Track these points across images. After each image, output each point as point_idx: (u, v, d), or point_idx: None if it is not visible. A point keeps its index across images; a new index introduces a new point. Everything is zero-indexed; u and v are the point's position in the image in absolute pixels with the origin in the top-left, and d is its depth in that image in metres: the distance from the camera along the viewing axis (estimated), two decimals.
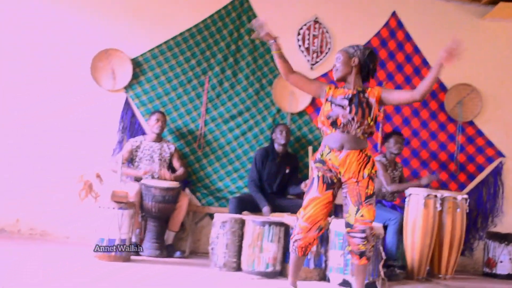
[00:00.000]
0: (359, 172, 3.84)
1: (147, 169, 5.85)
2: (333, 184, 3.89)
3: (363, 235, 3.83)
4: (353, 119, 3.83)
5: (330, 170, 3.88)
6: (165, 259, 5.56)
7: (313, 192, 3.88)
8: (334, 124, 3.87)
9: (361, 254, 3.88)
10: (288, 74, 4.02)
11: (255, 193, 5.90)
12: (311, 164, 4.01)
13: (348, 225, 3.88)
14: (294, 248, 3.92)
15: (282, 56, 4.03)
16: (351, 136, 3.86)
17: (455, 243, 5.67)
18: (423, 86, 3.84)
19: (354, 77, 3.98)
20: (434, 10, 6.86)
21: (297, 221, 3.90)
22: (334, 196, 3.92)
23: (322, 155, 3.92)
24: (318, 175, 3.90)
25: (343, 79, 4.00)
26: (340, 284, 4.86)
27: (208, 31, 6.52)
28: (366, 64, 3.99)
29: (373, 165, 3.88)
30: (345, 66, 3.98)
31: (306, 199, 3.89)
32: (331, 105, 3.90)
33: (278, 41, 4.05)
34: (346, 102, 3.88)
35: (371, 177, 3.86)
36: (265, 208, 5.72)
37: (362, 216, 3.82)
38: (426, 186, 5.89)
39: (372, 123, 3.90)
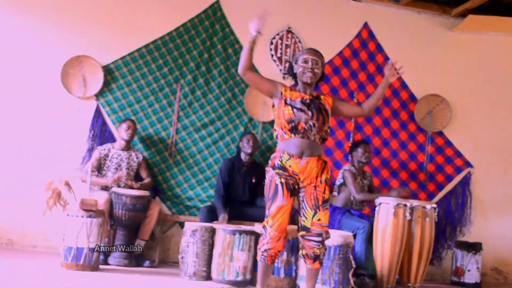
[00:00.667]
0: (316, 177, 3.86)
1: (114, 177, 5.79)
2: (294, 191, 3.89)
3: (319, 238, 3.84)
4: (314, 125, 3.83)
5: (291, 177, 3.86)
6: (134, 269, 5.51)
7: (279, 200, 3.83)
8: (294, 129, 3.84)
9: (315, 258, 3.88)
10: (246, 69, 3.91)
11: (217, 202, 5.87)
12: (269, 171, 3.91)
13: (304, 228, 3.87)
14: (264, 257, 3.89)
15: (251, 50, 3.92)
16: (310, 142, 3.85)
17: (424, 252, 5.71)
18: (371, 102, 4.04)
19: (313, 86, 4.01)
20: (405, 22, 6.96)
21: (266, 231, 3.85)
22: (294, 201, 3.94)
23: (281, 161, 3.87)
24: (281, 182, 3.85)
25: (311, 85, 3.97)
26: None
27: (180, 39, 6.51)
28: (323, 76, 4.05)
29: (328, 170, 3.93)
30: (321, 72, 3.96)
31: (274, 208, 3.83)
32: (292, 109, 3.85)
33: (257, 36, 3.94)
34: (305, 107, 3.85)
35: (327, 183, 3.90)
36: (221, 216, 5.68)
37: (319, 220, 3.84)
38: (392, 188, 5.96)
39: (328, 130, 3.95)
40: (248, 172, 6.04)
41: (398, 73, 4.03)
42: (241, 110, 6.55)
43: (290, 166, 3.85)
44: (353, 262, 4.95)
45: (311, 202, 3.85)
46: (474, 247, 6.30)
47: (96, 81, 6.29)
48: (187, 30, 6.53)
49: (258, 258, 3.94)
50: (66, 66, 6.23)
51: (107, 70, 6.33)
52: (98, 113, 6.30)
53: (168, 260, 6.26)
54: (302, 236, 3.88)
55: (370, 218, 5.92)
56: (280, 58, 6.68)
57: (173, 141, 6.41)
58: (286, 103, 3.88)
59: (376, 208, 5.71)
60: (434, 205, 5.77)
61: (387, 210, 5.62)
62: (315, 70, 3.90)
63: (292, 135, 3.85)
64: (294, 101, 3.87)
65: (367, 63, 6.81)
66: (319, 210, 3.84)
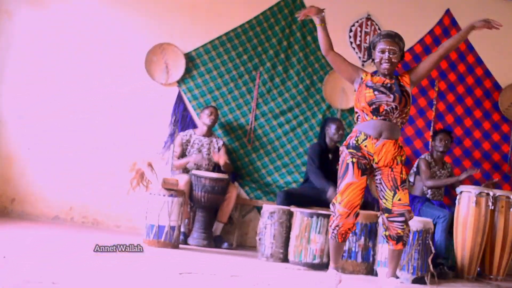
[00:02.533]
0: (393, 160, 3.81)
1: (196, 159, 5.95)
2: (366, 170, 3.83)
3: (402, 218, 3.77)
4: (396, 107, 3.78)
5: (364, 157, 3.81)
6: (212, 249, 5.63)
7: (349, 177, 3.79)
8: (375, 111, 3.79)
9: (399, 239, 3.82)
10: (329, 49, 3.91)
11: (318, 181, 5.67)
12: (343, 151, 3.87)
13: (386, 210, 3.82)
14: (334, 235, 3.85)
15: (325, 29, 3.93)
16: (391, 124, 3.80)
17: (507, 244, 5.53)
18: (448, 42, 3.93)
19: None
20: (490, 8, 6.73)
21: (335, 207, 3.82)
22: (367, 183, 3.88)
23: (357, 141, 3.82)
24: (352, 161, 3.81)
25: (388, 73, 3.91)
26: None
27: (260, 27, 6.60)
28: (403, 56, 3.98)
29: (404, 153, 3.88)
30: (399, 57, 3.89)
31: (342, 185, 3.81)
32: (374, 91, 3.80)
33: (323, 15, 3.95)
34: (387, 90, 3.80)
35: (403, 164, 3.85)
36: (331, 190, 5.41)
37: (399, 200, 3.77)
38: (475, 180, 5.79)
39: (409, 112, 3.89)
40: (333, 158, 5.95)
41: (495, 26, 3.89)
42: (319, 98, 6.56)
43: (365, 146, 3.79)
44: (432, 248, 4.85)
45: (389, 183, 3.80)
46: None
47: (178, 68, 6.46)
48: (266, 18, 6.61)
49: (329, 236, 3.90)
50: (149, 54, 6.44)
51: (188, 57, 6.49)
52: (179, 99, 6.48)
53: (246, 244, 6.36)
54: (386, 218, 3.83)
55: (450, 208, 5.80)
56: (359, 46, 6.64)
57: (252, 127, 6.50)
58: (367, 86, 3.84)
59: (457, 197, 5.59)
60: None
61: (468, 198, 5.49)
62: (393, 60, 3.83)
63: (374, 117, 3.80)
64: (375, 84, 3.83)
65: None
66: (399, 190, 3.78)
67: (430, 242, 4.85)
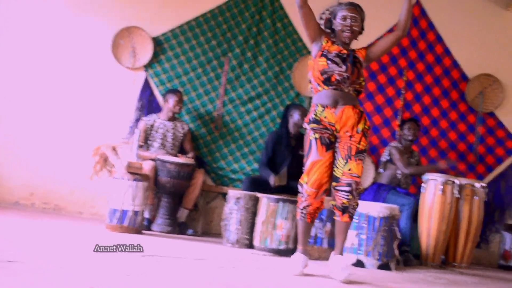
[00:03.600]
0: (353, 127, 3.73)
1: (160, 151, 5.88)
2: (331, 144, 3.77)
3: (348, 188, 3.69)
4: (347, 77, 3.73)
5: (327, 129, 3.75)
6: (176, 235, 5.54)
7: (313, 155, 3.73)
8: (327, 80, 3.73)
9: (344, 210, 3.73)
10: (306, 1, 3.81)
11: (263, 171, 5.82)
12: (306, 128, 3.82)
13: (335, 179, 3.74)
14: (303, 215, 3.79)
15: None
16: (344, 93, 3.75)
17: (471, 232, 5.58)
18: (402, 20, 3.87)
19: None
20: (459, 0, 6.78)
21: (303, 188, 3.76)
22: (335, 157, 3.79)
23: (316, 114, 3.76)
24: (315, 138, 3.75)
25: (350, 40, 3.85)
26: (354, 264, 4.79)
27: (230, 13, 6.53)
28: (362, 30, 3.92)
29: (366, 120, 3.80)
30: (360, 28, 3.85)
31: (308, 163, 3.74)
32: (326, 60, 3.74)
33: None
34: (340, 60, 3.74)
35: (364, 133, 3.76)
36: (271, 177, 5.64)
37: (349, 170, 3.70)
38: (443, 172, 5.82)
39: (363, 83, 3.84)
40: (296, 145, 5.96)
41: None
42: (288, 85, 6.52)
43: (325, 117, 3.74)
44: (398, 234, 4.85)
45: (344, 151, 3.72)
46: None
47: (146, 52, 6.35)
48: (236, 3, 6.54)
49: (298, 217, 3.83)
50: (116, 37, 6.32)
51: (156, 41, 6.39)
52: (146, 83, 6.37)
53: (211, 231, 6.29)
54: (334, 187, 3.75)
55: (416, 196, 5.81)
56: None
57: (220, 114, 6.42)
58: (322, 55, 3.78)
59: (423, 184, 5.60)
60: (484, 184, 5.63)
61: (434, 186, 5.51)
62: (354, 28, 3.79)
63: (325, 86, 3.75)
64: (330, 53, 3.76)
65: (418, 40, 6.68)
66: (351, 160, 3.70)
67: (396, 229, 4.84)
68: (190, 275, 3.25)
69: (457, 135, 6.62)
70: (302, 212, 3.80)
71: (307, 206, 3.76)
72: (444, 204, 5.44)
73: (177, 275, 3.15)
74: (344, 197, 3.72)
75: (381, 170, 6.11)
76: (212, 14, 6.49)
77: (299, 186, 3.80)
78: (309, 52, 6.47)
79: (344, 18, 3.80)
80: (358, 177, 3.73)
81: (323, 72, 3.73)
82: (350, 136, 3.74)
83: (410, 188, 6.17)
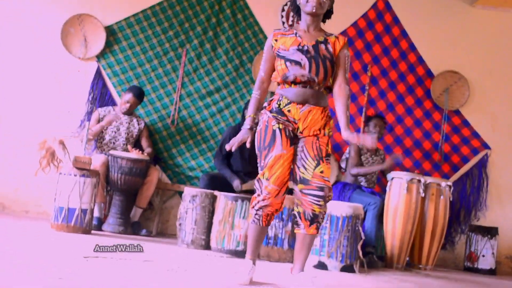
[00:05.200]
0: (319, 130, 3.26)
1: (110, 118, 5.49)
2: (294, 139, 3.29)
3: (321, 193, 3.18)
4: (313, 79, 3.23)
5: (290, 123, 3.27)
6: (129, 236, 5.20)
7: (277, 148, 3.22)
8: (293, 82, 3.26)
9: (313, 219, 3.21)
10: (264, 88, 3.39)
11: (223, 170, 5.48)
12: (264, 115, 3.32)
13: (303, 181, 3.22)
14: (258, 217, 3.27)
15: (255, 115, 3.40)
16: (314, 92, 3.26)
17: (437, 232, 5.39)
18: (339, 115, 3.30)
19: (319, 21, 3.32)
20: None
21: (261, 184, 3.23)
22: (298, 155, 3.29)
23: (279, 105, 3.28)
24: (279, 128, 3.25)
25: (315, 16, 3.28)
26: (315, 266, 4.54)
27: (188, 2, 6.22)
28: (331, 12, 3.38)
29: (331, 125, 3.34)
30: (327, 4, 3.27)
31: (271, 157, 3.22)
32: (285, 62, 3.25)
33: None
34: (302, 57, 3.23)
35: (329, 137, 3.34)
36: (236, 182, 5.32)
37: (322, 172, 3.20)
38: (390, 170, 5.62)
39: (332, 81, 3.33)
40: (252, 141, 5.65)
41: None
42: (249, 79, 6.23)
43: (289, 111, 3.26)
44: (362, 234, 4.61)
45: (314, 152, 3.22)
46: (489, 232, 5.96)
47: (98, 41, 6.00)
48: None
49: (250, 220, 3.31)
50: (66, 25, 5.97)
51: (109, 30, 6.04)
52: (98, 75, 6.02)
53: (167, 232, 5.97)
54: (301, 190, 3.23)
55: (381, 195, 5.60)
56: (291, 26, 6.32)
57: (176, 108, 6.10)
58: (278, 56, 3.28)
59: (388, 184, 5.39)
60: (449, 183, 5.47)
61: (399, 185, 5.30)
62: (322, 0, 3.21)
63: (293, 85, 3.27)
64: (288, 51, 3.26)
65: (382, 35, 6.47)
66: (323, 162, 3.21)
67: (360, 229, 4.60)
68: (130, 279, 2.92)
69: (422, 133, 6.43)
70: (257, 214, 3.28)
71: (265, 206, 3.24)
72: (410, 204, 5.24)
73: (114, 279, 2.82)
74: (316, 203, 3.19)
75: (342, 169, 5.89)
76: (169, 3, 6.16)
77: (256, 183, 3.28)
78: None
79: None
80: (329, 181, 3.24)
81: (284, 78, 3.27)
82: (317, 136, 3.27)
83: (376, 187, 5.97)
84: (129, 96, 5.66)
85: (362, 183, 5.74)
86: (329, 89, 3.35)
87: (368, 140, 3.19)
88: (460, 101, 6.49)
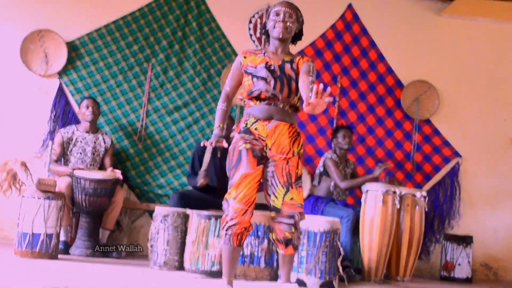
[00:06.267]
0: (289, 148, 3.33)
1: (77, 165, 5.28)
2: (262, 159, 3.34)
3: (291, 221, 3.29)
4: (277, 96, 3.32)
5: (258, 142, 3.33)
6: (97, 259, 4.97)
7: (243, 167, 3.28)
8: (258, 98, 3.35)
9: (287, 243, 3.33)
10: (229, 101, 3.53)
11: (191, 180, 5.35)
12: (234, 136, 3.40)
13: (274, 209, 3.32)
14: (228, 237, 3.29)
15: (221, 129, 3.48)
16: (278, 109, 3.34)
17: (413, 243, 5.30)
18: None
19: (286, 44, 3.45)
20: (391, 4, 6.58)
21: (228, 204, 3.27)
22: (263, 173, 3.36)
23: (246, 125, 3.36)
24: (246, 148, 3.31)
25: (282, 41, 3.42)
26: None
27: (152, 16, 6.05)
28: (301, 34, 3.53)
29: (301, 142, 3.40)
30: (295, 28, 3.43)
31: (237, 176, 3.27)
32: (252, 78, 3.35)
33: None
34: (268, 74, 3.34)
35: (300, 157, 3.37)
36: (198, 177, 5.21)
37: (291, 199, 3.29)
38: (378, 178, 5.53)
39: (298, 102, 3.43)
40: (224, 156, 5.52)
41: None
42: (217, 93, 6.07)
43: (256, 129, 3.33)
44: (341, 249, 4.49)
45: (283, 178, 3.29)
46: (464, 240, 5.91)
47: (59, 58, 5.80)
48: (159, 6, 6.07)
49: (222, 242, 3.34)
50: (26, 41, 5.77)
51: (71, 46, 5.84)
52: (60, 92, 5.81)
53: (137, 253, 5.73)
54: (272, 218, 3.35)
55: (355, 207, 5.50)
56: (259, 39, 6.23)
57: (143, 124, 5.91)
58: (246, 72, 3.39)
59: (363, 196, 5.29)
60: (424, 193, 5.39)
61: (375, 197, 5.19)
62: (288, 24, 3.35)
63: (258, 102, 3.36)
64: (255, 68, 3.37)
65: (351, 46, 6.41)
66: (292, 188, 3.29)
67: (339, 243, 4.48)
68: None
69: (394, 143, 6.38)
70: (226, 234, 3.29)
71: (233, 225, 3.26)
72: (386, 216, 5.13)
73: None
74: (287, 230, 3.30)
75: (315, 183, 5.76)
76: (133, 17, 6.00)
77: (224, 203, 3.32)
78: None
79: (277, 13, 3.39)
80: (301, 206, 3.32)
81: (250, 93, 3.35)
82: (287, 160, 3.32)
83: (348, 199, 5.87)
84: (86, 102, 5.47)
85: (333, 196, 5.63)
86: (295, 108, 3.43)
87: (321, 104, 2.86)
88: (430, 110, 6.46)
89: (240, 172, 3.27)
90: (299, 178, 3.34)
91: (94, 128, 5.54)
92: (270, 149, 3.33)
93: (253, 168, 3.28)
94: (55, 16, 5.87)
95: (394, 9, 6.60)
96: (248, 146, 3.31)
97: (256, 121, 3.34)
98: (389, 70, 6.46)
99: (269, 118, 3.34)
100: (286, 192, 3.29)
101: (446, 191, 6.39)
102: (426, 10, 6.63)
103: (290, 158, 3.32)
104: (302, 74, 3.31)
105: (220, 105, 3.52)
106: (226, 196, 3.30)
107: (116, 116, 5.87)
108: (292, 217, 3.28)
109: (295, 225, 3.30)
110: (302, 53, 6.17)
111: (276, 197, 3.31)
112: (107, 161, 5.54)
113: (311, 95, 2.84)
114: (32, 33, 5.76)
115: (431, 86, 6.47)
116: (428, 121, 6.47)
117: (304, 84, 3.22)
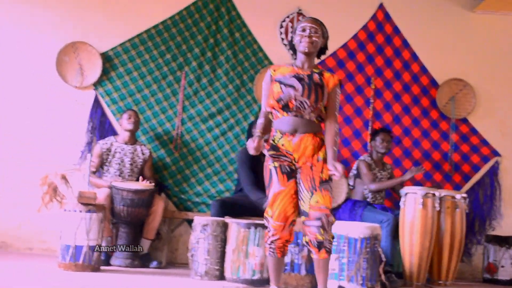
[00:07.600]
0: (313, 155, 3.51)
1: (115, 177, 5.36)
2: (293, 172, 3.53)
3: (318, 223, 3.41)
4: (305, 102, 3.47)
5: (285, 156, 3.52)
6: (138, 269, 5.02)
7: (275, 186, 3.50)
8: (285, 107, 3.49)
9: (319, 245, 3.44)
10: (266, 115, 3.63)
11: (255, 193, 5.15)
12: (265, 154, 3.58)
13: (303, 213, 3.48)
14: (272, 250, 3.54)
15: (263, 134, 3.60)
16: (304, 121, 3.51)
17: (455, 246, 5.24)
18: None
19: (312, 58, 3.62)
20: (422, 3, 6.48)
21: (268, 222, 3.51)
22: (298, 188, 3.54)
23: (274, 141, 3.55)
24: (275, 166, 3.52)
25: (308, 55, 3.58)
26: None
27: (184, 24, 6.07)
28: (326, 48, 3.69)
29: (325, 149, 3.55)
30: (320, 43, 3.59)
31: (270, 195, 3.51)
32: (280, 86, 3.51)
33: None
34: (296, 82, 3.50)
35: (325, 161, 3.50)
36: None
37: (317, 202, 3.43)
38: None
39: (324, 110, 3.57)
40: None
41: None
42: (251, 99, 6.07)
43: (283, 144, 3.52)
44: (382, 256, 4.45)
45: (307, 183, 3.47)
46: (507, 241, 5.78)
47: (94, 69, 5.86)
48: (190, 13, 6.09)
49: (267, 253, 3.57)
50: (61, 54, 5.84)
51: (105, 57, 5.89)
52: (96, 103, 5.87)
53: (177, 261, 5.79)
54: (303, 222, 3.49)
55: (393, 211, 5.45)
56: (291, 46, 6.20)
57: (179, 132, 5.94)
58: (275, 81, 3.56)
59: (402, 199, 5.24)
60: (464, 195, 5.33)
61: (414, 200, 5.14)
62: (313, 38, 3.52)
63: (285, 113, 3.51)
64: (284, 77, 3.55)
65: (384, 46, 6.34)
66: (316, 191, 3.45)
67: (380, 250, 4.44)
68: None
69: (431, 143, 6.29)
70: (270, 247, 3.55)
71: (275, 240, 3.52)
72: (426, 219, 5.08)
73: None
74: (316, 232, 3.44)
75: (350, 186, 5.74)
76: (165, 25, 6.02)
77: (265, 220, 3.56)
78: (271, 63, 6.08)
79: (303, 29, 3.56)
80: (327, 208, 3.45)
81: (278, 100, 3.50)
82: (311, 166, 3.51)
83: (386, 202, 5.81)
84: (128, 112, 5.54)
85: (368, 199, 5.60)
86: (321, 118, 3.58)
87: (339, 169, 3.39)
88: (467, 109, 6.35)
89: (273, 191, 3.50)
90: (324, 182, 3.48)
91: (133, 139, 5.59)
92: (298, 161, 3.53)
93: (284, 185, 3.49)
94: (88, 28, 5.92)
95: (426, 7, 6.51)
96: (277, 164, 3.52)
97: (282, 136, 3.51)
98: (423, 70, 6.37)
99: (293, 132, 3.50)
100: (311, 196, 3.46)
101: (486, 191, 6.28)
102: (459, 7, 6.52)
103: (314, 164, 3.50)
104: (329, 103, 3.55)
105: (259, 120, 3.67)
106: (265, 214, 3.53)
107: (152, 125, 5.91)
108: (319, 219, 3.42)
109: (323, 227, 3.42)
110: (334, 54, 6.15)
111: (303, 201, 3.48)
112: (147, 171, 5.59)
113: (336, 173, 3.36)
114: (66, 46, 5.83)
115: (467, 84, 6.37)
116: (465, 120, 6.37)
117: (332, 107, 3.56)
